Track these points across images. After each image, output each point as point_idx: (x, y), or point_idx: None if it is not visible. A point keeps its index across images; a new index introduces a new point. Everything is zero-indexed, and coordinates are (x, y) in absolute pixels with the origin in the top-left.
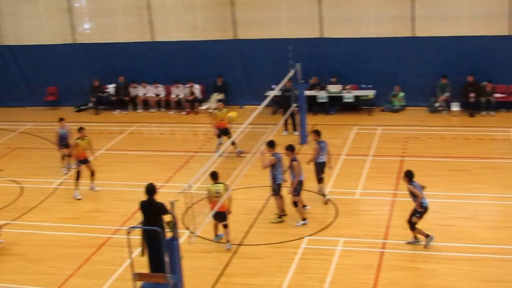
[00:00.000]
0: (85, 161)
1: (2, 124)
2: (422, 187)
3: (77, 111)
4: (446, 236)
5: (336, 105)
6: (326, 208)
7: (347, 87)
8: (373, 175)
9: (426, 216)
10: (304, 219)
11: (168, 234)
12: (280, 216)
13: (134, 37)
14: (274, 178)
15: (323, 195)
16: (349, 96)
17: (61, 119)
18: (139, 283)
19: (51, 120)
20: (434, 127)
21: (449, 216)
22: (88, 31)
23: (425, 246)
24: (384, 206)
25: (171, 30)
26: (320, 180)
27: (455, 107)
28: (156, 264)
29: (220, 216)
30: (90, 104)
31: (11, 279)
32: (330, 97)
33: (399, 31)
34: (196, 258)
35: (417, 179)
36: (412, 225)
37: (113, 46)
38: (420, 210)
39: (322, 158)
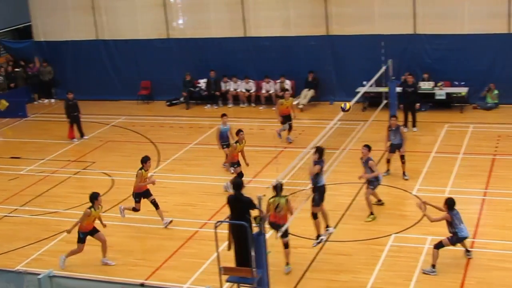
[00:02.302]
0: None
1: (95, 117)
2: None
3: (169, 105)
4: None
5: (427, 102)
6: (415, 206)
7: (439, 84)
8: (463, 173)
9: None
10: (371, 213)
11: (255, 229)
12: (372, 214)
13: (226, 32)
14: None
15: None
16: (441, 93)
17: (223, 115)
18: (225, 277)
19: (143, 114)
20: None
21: None
22: (182, 26)
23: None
24: (474, 204)
25: (264, 25)
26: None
27: None
28: (242, 258)
29: (277, 227)
30: (182, 99)
31: (100, 270)
32: (421, 94)
33: (495, 27)
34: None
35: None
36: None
37: (205, 41)
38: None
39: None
